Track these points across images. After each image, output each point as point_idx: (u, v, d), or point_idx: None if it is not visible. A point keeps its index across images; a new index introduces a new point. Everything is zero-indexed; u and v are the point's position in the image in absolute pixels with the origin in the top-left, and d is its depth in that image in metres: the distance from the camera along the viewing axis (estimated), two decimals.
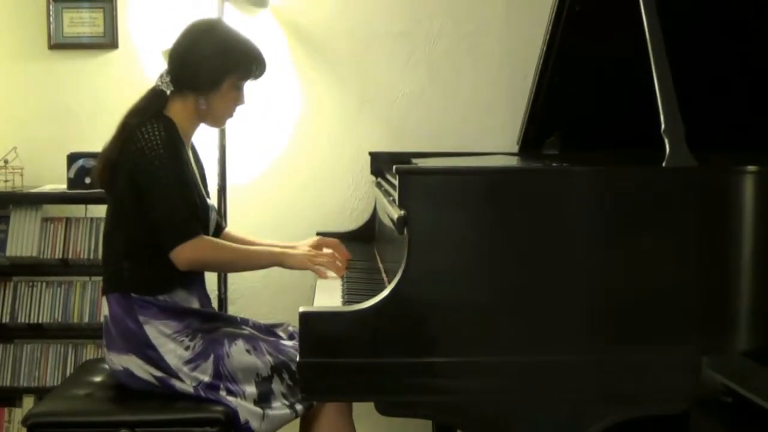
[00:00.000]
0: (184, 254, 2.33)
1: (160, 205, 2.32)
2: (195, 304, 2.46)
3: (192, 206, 2.37)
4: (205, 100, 2.44)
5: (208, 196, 2.61)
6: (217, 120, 2.54)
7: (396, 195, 1.98)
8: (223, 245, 2.47)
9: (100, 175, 2.44)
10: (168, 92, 2.43)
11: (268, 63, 2.52)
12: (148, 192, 2.33)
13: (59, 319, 3.24)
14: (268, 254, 2.52)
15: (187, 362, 2.34)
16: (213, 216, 2.55)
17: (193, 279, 2.46)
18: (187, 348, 2.35)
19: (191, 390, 2.33)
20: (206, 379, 2.33)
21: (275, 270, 2.55)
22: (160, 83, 2.45)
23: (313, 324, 1.91)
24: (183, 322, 2.38)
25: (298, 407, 2.34)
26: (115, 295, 2.39)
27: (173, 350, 2.34)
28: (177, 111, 2.44)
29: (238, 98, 2.50)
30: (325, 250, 2.64)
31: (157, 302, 2.37)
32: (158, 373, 2.35)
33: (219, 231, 2.69)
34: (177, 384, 2.34)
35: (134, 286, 2.37)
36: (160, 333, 2.35)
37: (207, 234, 2.46)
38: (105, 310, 2.42)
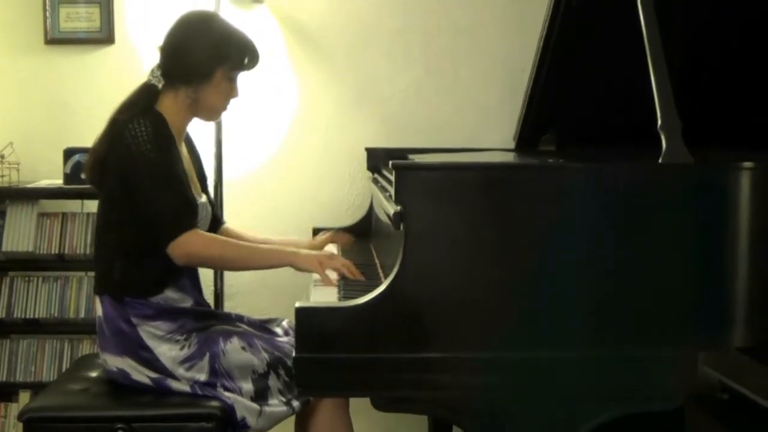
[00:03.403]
0: (179, 249, 2.31)
1: (151, 201, 2.30)
2: (188, 304, 2.45)
3: (183, 200, 2.34)
4: (196, 93, 2.41)
5: (205, 191, 2.60)
6: (210, 113, 2.50)
7: (392, 191, 1.97)
8: (222, 240, 2.43)
9: (91, 172, 2.42)
10: (159, 86, 2.42)
11: (262, 56, 2.49)
12: (138, 190, 2.31)
13: (55, 315, 3.24)
14: (277, 253, 2.44)
15: (183, 362, 2.33)
16: (204, 214, 2.52)
17: (185, 278, 2.44)
18: (182, 348, 2.34)
19: (188, 389, 2.33)
20: (203, 378, 2.33)
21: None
22: (151, 78, 2.43)
23: (309, 319, 1.90)
24: (177, 322, 2.37)
25: (295, 403, 2.34)
26: (107, 297, 2.37)
27: (168, 350, 2.33)
28: (168, 105, 2.42)
29: (231, 90, 2.47)
30: (334, 250, 2.62)
31: (149, 304, 2.35)
32: (153, 375, 2.34)
33: (217, 226, 2.67)
34: (173, 384, 2.33)
35: (125, 289, 2.35)
36: (153, 334, 2.34)
37: None
38: (98, 310, 2.41)
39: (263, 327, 2.56)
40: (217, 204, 3.14)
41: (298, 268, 2.42)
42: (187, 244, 2.31)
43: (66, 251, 3.24)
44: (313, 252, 2.49)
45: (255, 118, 3.42)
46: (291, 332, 2.48)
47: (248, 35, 2.48)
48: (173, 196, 2.32)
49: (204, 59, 2.40)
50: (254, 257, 2.44)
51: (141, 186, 2.30)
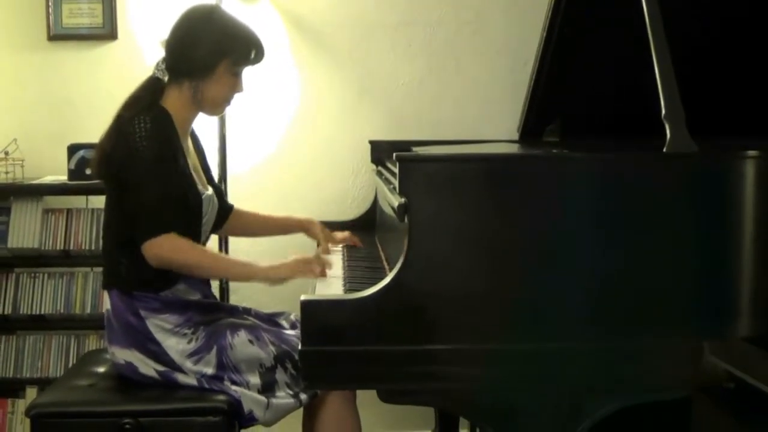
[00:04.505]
0: (151, 250, 2.29)
1: (134, 199, 2.29)
2: (197, 297, 2.45)
3: (166, 202, 2.30)
4: (199, 86, 2.40)
5: (210, 183, 2.60)
6: (214, 107, 2.48)
7: (396, 183, 1.97)
8: (192, 248, 2.35)
9: (97, 168, 2.42)
10: (164, 80, 2.41)
11: (266, 50, 2.48)
12: (126, 185, 2.31)
13: (61, 310, 3.24)
14: (248, 269, 2.41)
15: (190, 355, 2.34)
16: (211, 208, 2.52)
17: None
18: (189, 341, 2.35)
19: (195, 383, 2.33)
20: (210, 371, 2.33)
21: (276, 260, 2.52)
22: (156, 72, 2.42)
23: (314, 312, 1.91)
24: (185, 315, 2.37)
25: (303, 396, 2.34)
26: (116, 291, 2.38)
27: (176, 344, 2.34)
28: (173, 100, 2.41)
29: (235, 85, 2.45)
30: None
31: (158, 297, 2.36)
32: (161, 368, 2.35)
33: (227, 213, 2.72)
34: (180, 378, 2.34)
35: (133, 283, 2.35)
36: (161, 327, 2.34)
37: (198, 227, 2.43)
38: (107, 303, 2.42)
39: (270, 320, 2.57)
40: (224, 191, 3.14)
41: (271, 283, 2.42)
42: (159, 247, 2.29)
43: (71, 247, 3.25)
44: (288, 260, 2.43)
45: (258, 112, 3.42)
46: (298, 326, 2.47)
47: (251, 28, 2.47)
48: (156, 195, 2.28)
49: (207, 53, 2.38)
50: (225, 269, 2.51)
51: (130, 181, 2.30)
